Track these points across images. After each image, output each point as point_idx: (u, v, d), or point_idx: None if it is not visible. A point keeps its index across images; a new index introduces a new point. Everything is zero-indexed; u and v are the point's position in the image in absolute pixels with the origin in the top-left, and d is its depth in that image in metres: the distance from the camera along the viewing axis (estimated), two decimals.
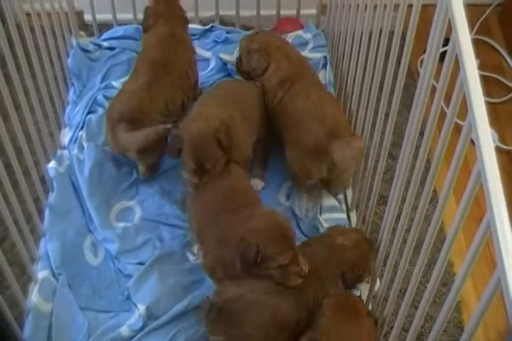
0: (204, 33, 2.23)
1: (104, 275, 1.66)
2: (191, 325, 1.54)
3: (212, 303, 1.40)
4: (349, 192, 1.86)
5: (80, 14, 2.38)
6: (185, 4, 2.19)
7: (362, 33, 1.66)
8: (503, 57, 2.55)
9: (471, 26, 1.18)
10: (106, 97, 1.96)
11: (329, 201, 1.78)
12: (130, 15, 2.19)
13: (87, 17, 2.36)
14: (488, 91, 2.32)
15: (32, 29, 1.74)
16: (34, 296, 1.55)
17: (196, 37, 2.21)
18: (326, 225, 1.70)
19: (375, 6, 1.55)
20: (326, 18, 2.19)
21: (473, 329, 0.99)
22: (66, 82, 2.07)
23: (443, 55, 1.17)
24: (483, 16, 2.58)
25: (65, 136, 1.94)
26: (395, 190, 1.42)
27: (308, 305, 1.44)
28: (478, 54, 1.12)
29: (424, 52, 1.26)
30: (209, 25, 2.24)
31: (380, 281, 1.56)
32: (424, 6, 1.32)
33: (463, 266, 1.03)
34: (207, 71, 2.10)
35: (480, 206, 1.00)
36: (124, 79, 1.93)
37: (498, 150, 1.11)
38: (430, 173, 1.23)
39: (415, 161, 1.31)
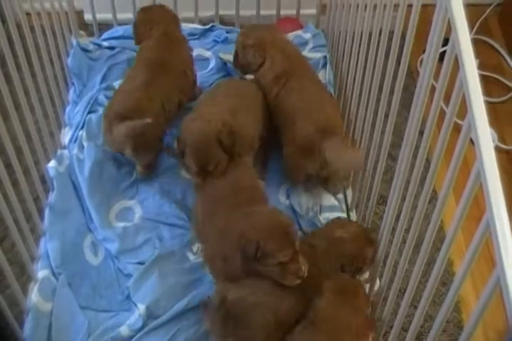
0: (204, 33, 2.23)
1: (104, 274, 1.66)
2: (191, 324, 1.54)
3: (216, 305, 1.40)
4: (349, 192, 1.86)
5: (80, 14, 2.38)
6: (185, 4, 2.19)
7: (362, 32, 1.66)
8: (502, 57, 2.55)
9: (471, 26, 1.18)
10: (107, 97, 1.95)
11: (329, 200, 1.78)
12: (130, 15, 2.19)
13: (87, 16, 2.37)
14: (487, 91, 2.33)
15: (32, 28, 1.74)
16: (34, 295, 1.55)
17: (196, 37, 2.21)
18: None
19: (375, 6, 1.55)
20: (326, 18, 2.19)
21: (473, 327, 0.99)
22: (66, 82, 2.07)
23: (443, 54, 1.17)
24: (483, 16, 2.59)
25: (65, 136, 1.95)
26: (395, 190, 1.42)
27: (308, 300, 1.44)
28: (478, 54, 1.12)
29: (424, 52, 1.27)
30: (209, 25, 2.24)
31: (380, 281, 1.56)
32: (424, 6, 1.32)
33: (462, 265, 1.03)
34: (207, 71, 2.10)
35: (479, 205, 1.00)
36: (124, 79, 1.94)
37: (497, 149, 1.12)
38: (430, 173, 1.23)
39: (415, 161, 1.31)
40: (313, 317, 1.39)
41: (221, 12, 2.28)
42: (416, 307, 1.29)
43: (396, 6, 1.42)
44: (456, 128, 1.12)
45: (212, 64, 2.11)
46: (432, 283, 1.20)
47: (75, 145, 1.87)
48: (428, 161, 1.24)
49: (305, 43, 2.18)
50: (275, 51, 1.85)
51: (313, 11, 2.30)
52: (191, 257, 1.68)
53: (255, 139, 1.75)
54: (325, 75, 2.05)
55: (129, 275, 1.65)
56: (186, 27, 2.22)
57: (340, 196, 1.82)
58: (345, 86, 1.89)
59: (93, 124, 1.90)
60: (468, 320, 1.00)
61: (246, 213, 1.48)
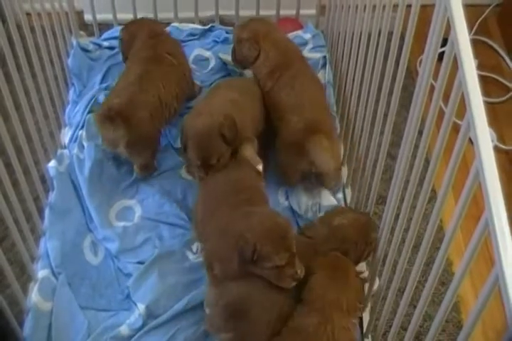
0: (204, 33, 2.23)
1: (104, 274, 1.66)
2: (191, 324, 1.55)
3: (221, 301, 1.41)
4: (348, 192, 1.87)
5: (80, 14, 2.38)
6: (185, 4, 2.20)
7: (361, 33, 1.66)
8: (501, 57, 2.55)
9: (470, 26, 1.18)
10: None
11: (328, 200, 1.78)
12: (130, 15, 2.19)
13: (87, 17, 2.37)
14: (486, 92, 2.33)
15: (32, 29, 1.74)
16: (34, 295, 1.55)
17: (196, 37, 2.21)
18: None
19: (374, 7, 1.55)
20: (326, 19, 2.19)
21: (472, 326, 0.99)
22: (66, 82, 2.07)
23: (442, 54, 1.17)
24: (482, 16, 2.58)
25: (65, 136, 1.95)
26: (394, 189, 1.43)
27: None
28: (477, 54, 1.12)
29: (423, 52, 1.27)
30: (209, 25, 2.25)
31: (379, 280, 1.56)
32: (423, 6, 1.32)
33: (461, 264, 1.04)
34: (206, 71, 2.11)
35: (478, 204, 1.00)
36: None
37: (496, 149, 1.12)
38: (429, 172, 1.23)
39: (414, 160, 1.31)
40: (307, 297, 1.41)
41: (221, 12, 2.28)
42: (415, 307, 1.29)
43: (395, 6, 1.42)
44: (455, 128, 1.12)
45: (212, 64, 2.12)
46: (431, 282, 1.20)
47: (75, 145, 1.87)
48: (427, 161, 1.25)
49: (305, 43, 2.18)
50: (269, 44, 1.86)
51: (312, 12, 2.31)
52: (191, 257, 1.68)
53: (260, 122, 1.75)
54: (324, 75, 2.06)
55: (128, 275, 1.65)
56: (186, 27, 2.23)
57: (340, 196, 1.83)
58: (345, 86, 1.89)
59: (93, 124, 1.90)
60: (467, 318, 1.00)
61: (245, 213, 1.48)
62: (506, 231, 0.88)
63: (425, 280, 1.29)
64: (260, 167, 1.66)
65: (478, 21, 2.57)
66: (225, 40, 2.17)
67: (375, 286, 1.58)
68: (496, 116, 2.33)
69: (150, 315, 1.55)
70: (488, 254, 1.48)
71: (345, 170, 1.90)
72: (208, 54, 2.16)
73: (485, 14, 2.59)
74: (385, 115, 1.52)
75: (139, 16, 2.14)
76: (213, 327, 1.46)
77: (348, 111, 1.85)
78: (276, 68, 1.82)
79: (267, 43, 1.86)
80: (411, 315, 1.32)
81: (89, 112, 1.94)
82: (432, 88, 1.22)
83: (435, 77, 1.22)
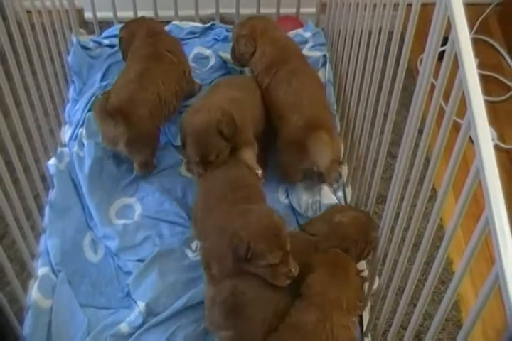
0: (204, 31, 2.23)
1: (103, 272, 1.67)
2: (191, 322, 1.55)
3: (223, 298, 1.42)
4: (348, 191, 1.87)
5: (80, 12, 2.38)
6: (185, 2, 2.20)
7: (361, 31, 1.66)
8: (502, 56, 2.55)
9: (471, 25, 1.18)
10: None
11: (328, 199, 1.78)
12: (130, 13, 2.19)
13: (88, 15, 2.37)
14: (487, 91, 2.33)
15: (33, 26, 1.74)
16: (34, 292, 1.56)
17: (196, 35, 2.21)
18: None
19: (375, 5, 1.55)
20: (326, 17, 2.19)
21: (471, 325, 1.00)
22: (66, 80, 2.07)
23: (442, 53, 1.17)
24: (483, 15, 2.58)
25: (66, 134, 1.95)
26: (394, 188, 1.43)
27: None
28: (478, 53, 1.12)
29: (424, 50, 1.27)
30: (209, 24, 2.25)
31: (379, 279, 1.56)
32: (424, 5, 1.32)
33: (461, 262, 1.04)
34: (206, 69, 2.11)
35: (478, 203, 1.00)
36: None
37: (497, 148, 1.12)
38: (429, 171, 1.23)
39: (414, 159, 1.31)
40: (306, 293, 1.40)
41: (221, 10, 2.28)
42: (415, 306, 1.29)
43: (396, 5, 1.42)
44: (456, 127, 1.12)
45: (212, 62, 2.12)
46: (431, 281, 1.20)
47: (75, 143, 1.87)
48: (427, 159, 1.24)
49: (305, 42, 2.18)
50: (266, 40, 1.86)
51: (313, 10, 2.31)
52: (190, 255, 1.68)
53: (260, 121, 1.75)
54: (324, 74, 2.06)
55: (128, 273, 1.65)
56: (186, 25, 2.23)
57: (340, 194, 1.83)
58: (345, 84, 1.89)
59: (93, 122, 1.90)
60: (467, 317, 1.00)
61: (241, 211, 1.48)
62: (506, 229, 0.88)
63: (425, 279, 1.29)
64: (259, 172, 1.66)
65: (479, 20, 2.57)
66: (226, 39, 2.17)
67: (375, 285, 1.58)
68: (496, 115, 2.33)
69: (150, 312, 1.56)
70: (488, 253, 1.48)
71: (345, 169, 1.90)
72: (208, 52, 2.15)
73: (486, 13, 2.59)
74: (385, 114, 1.52)
75: (139, 14, 2.14)
76: (213, 325, 1.46)
77: (348, 109, 1.85)
78: (273, 64, 1.82)
79: (264, 40, 1.86)
80: (411, 314, 1.32)
81: (89, 110, 1.94)
82: (433, 87, 1.22)
83: (435, 75, 1.22)
